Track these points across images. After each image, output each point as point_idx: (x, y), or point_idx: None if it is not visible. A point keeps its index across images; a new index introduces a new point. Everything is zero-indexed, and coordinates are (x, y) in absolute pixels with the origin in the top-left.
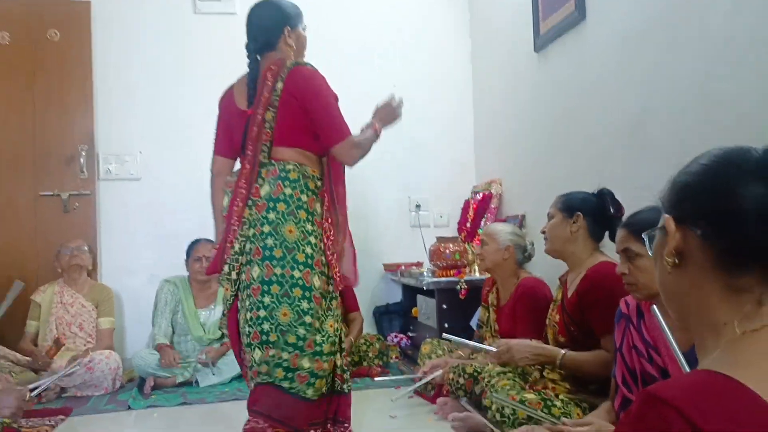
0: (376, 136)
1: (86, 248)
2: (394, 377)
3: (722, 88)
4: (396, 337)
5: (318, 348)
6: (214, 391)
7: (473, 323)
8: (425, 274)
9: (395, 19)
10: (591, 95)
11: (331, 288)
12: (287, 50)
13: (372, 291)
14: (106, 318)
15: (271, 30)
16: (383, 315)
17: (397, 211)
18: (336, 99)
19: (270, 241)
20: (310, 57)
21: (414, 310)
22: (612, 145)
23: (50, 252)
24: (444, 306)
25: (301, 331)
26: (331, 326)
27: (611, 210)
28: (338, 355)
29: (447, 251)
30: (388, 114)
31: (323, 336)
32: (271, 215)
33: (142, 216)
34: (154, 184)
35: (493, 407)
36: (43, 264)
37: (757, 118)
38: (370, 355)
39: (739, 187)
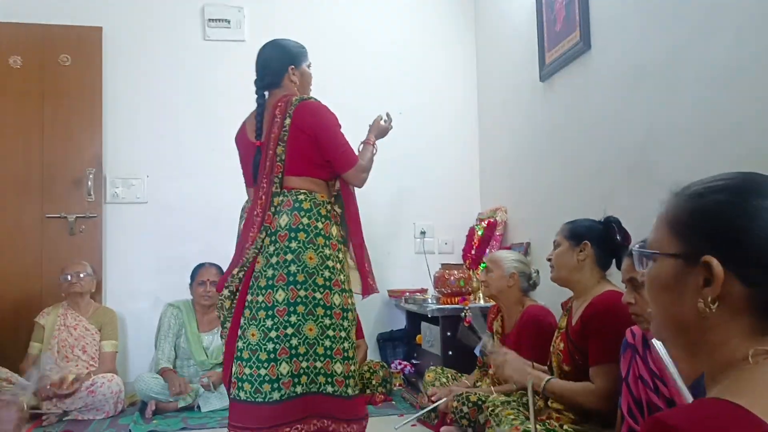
0: (374, 150)
1: (88, 272)
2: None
3: (725, 118)
4: (400, 364)
5: (346, 354)
6: (215, 416)
7: (477, 351)
8: (429, 300)
9: (402, 47)
10: (596, 124)
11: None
12: (291, 86)
13: (376, 317)
14: (109, 341)
15: (275, 70)
16: (387, 341)
17: (402, 237)
18: (340, 126)
19: (293, 268)
20: (320, 88)
21: (418, 337)
22: (617, 174)
23: (55, 274)
24: (448, 333)
25: (327, 342)
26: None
27: (618, 238)
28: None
29: (452, 278)
30: (380, 129)
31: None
32: (293, 244)
33: (148, 239)
34: (161, 208)
35: None
36: (48, 286)
37: (760, 148)
38: (374, 382)
39: None
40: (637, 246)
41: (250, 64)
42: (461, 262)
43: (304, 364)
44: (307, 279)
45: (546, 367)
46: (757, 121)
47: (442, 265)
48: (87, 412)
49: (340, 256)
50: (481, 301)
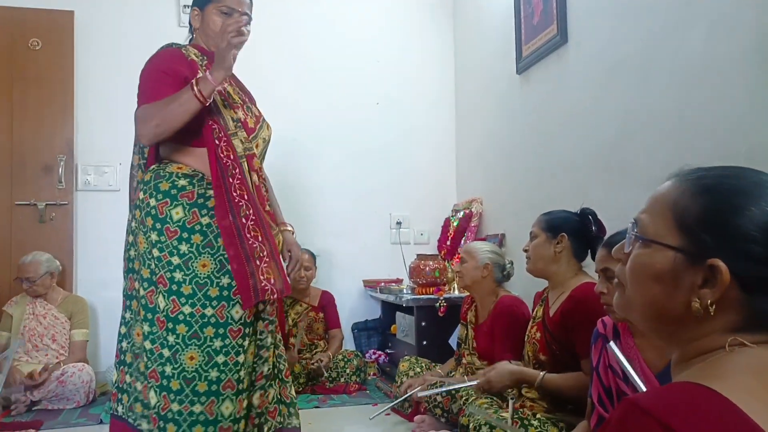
0: (193, 92)
1: (40, 272)
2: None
3: (698, 113)
4: (374, 353)
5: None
6: None
7: (452, 341)
8: (404, 291)
9: (380, 37)
10: (572, 117)
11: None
12: (197, 34)
13: (351, 307)
14: (79, 330)
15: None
16: (362, 331)
17: (378, 227)
18: (157, 71)
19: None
20: (295, 72)
21: (393, 327)
22: (591, 167)
23: None
24: (423, 323)
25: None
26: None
27: (594, 230)
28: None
29: (427, 269)
30: (222, 55)
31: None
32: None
33: (120, 228)
34: None
35: (471, 426)
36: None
37: (732, 143)
38: (348, 371)
39: None
40: (631, 227)
41: None
42: (437, 252)
43: (127, 378)
44: (134, 269)
45: (520, 362)
46: (729, 116)
47: (418, 255)
48: (57, 402)
49: (183, 247)
50: (456, 292)
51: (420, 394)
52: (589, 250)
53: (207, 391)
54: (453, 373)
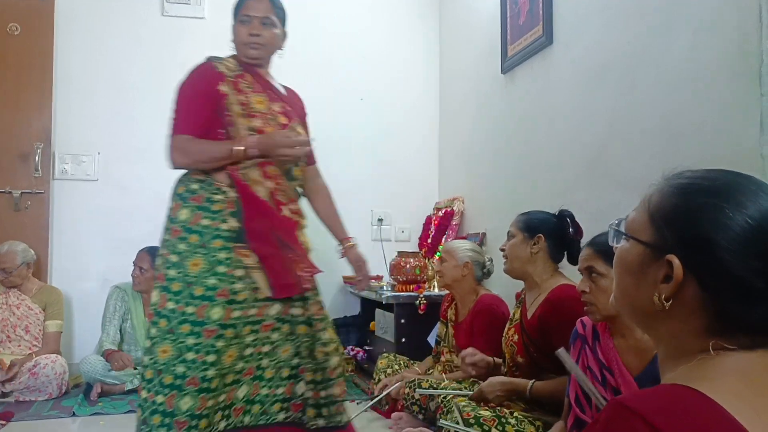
0: (231, 151)
1: (16, 263)
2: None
3: (683, 116)
4: (353, 350)
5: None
6: None
7: (431, 339)
8: (385, 288)
9: (365, 33)
10: (555, 118)
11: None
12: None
13: (330, 303)
14: (53, 321)
15: None
16: (340, 327)
17: (359, 224)
18: (189, 90)
19: None
20: (279, 67)
21: (372, 323)
22: (574, 168)
23: None
24: (402, 320)
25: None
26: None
27: (571, 232)
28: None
29: (407, 266)
30: (269, 144)
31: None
32: None
33: (98, 219)
34: (112, 187)
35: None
36: None
37: (716, 145)
38: None
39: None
40: (616, 222)
41: (209, 42)
42: (417, 250)
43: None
44: None
45: (501, 360)
46: (712, 120)
47: (399, 252)
48: (29, 394)
49: (181, 246)
50: (436, 290)
51: (419, 392)
52: (566, 252)
53: (171, 384)
54: (431, 371)
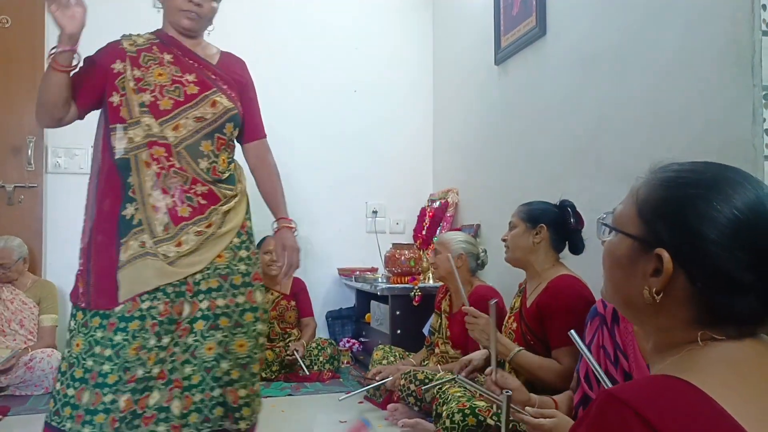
0: (52, 63)
1: (14, 257)
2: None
3: (673, 107)
4: (348, 342)
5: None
6: None
7: (425, 330)
8: (379, 280)
9: (357, 24)
10: (549, 109)
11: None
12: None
13: (325, 295)
14: (48, 315)
15: None
16: (336, 319)
17: (354, 216)
18: (86, 64)
19: None
20: (272, 58)
21: (367, 315)
22: (567, 158)
23: None
24: (397, 312)
25: None
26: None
27: (572, 222)
28: None
29: (402, 258)
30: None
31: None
32: None
33: None
34: None
35: (444, 414)
36: None
37: (706, 137)
38: (321, 359)
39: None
40: (603, 216)
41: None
42: (412, 242)
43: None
44: None
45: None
46: (704, 111)
47: (393, 244)
48: (25, 388)
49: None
50: (431, 281)
51: (424, 389)
52: (567, 242)
53: (81, 378)
54: (426, 362)
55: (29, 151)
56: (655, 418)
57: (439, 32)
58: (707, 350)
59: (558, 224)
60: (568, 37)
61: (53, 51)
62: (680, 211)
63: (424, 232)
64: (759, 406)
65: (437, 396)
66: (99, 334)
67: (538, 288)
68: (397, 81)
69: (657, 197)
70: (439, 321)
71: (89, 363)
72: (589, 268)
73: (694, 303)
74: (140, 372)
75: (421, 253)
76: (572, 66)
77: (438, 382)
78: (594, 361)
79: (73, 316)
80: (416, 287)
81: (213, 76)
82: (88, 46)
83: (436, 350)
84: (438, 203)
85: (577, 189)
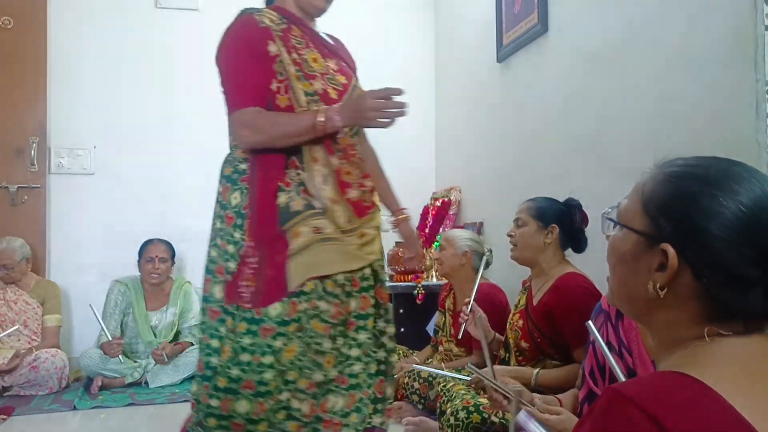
0: (315, 122)
1: (16, 258)
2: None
3: (676, 104)
4: None
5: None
6: (164, 392)
7: (429, 328)
8: None
9: (359, 23)
10: (551, 106)
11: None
12: None
13: None
14: (52, 315)
15: None
16: None
17: None
18: (240, 53)
19: None
20: None
21: None
22: (570, 156)
23: None
24: (400, 311)
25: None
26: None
27: (578, 221)
28: None
29: (405, 256)
30: (359, 110)
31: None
32: None
33: (95, 212)
34: (109, 180)
35: (449, 411)
36: None
37: (709, 133)
38: None
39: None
40: (608, 211)
41: (203, 34)
42: None
43: None
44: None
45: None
46: (707, 106)
47: (396, 243)
48: (29, 388)
49: (237, 235)
50: (434, 279)
51: (416, 368)
52: (572, 241)
53: (226, 387)
54: (430, 360)
55: (32, 152)
56: (661, 414)
57: (441, 30)
58: (713, 346)
59: (566, 223)
60: (570, 34)
61: (328, 119)
62: (686, 206)
63: (427, 231)
64: (766, 401)
65: (441, 393)
66: (247, 340)
67: (544, 286)
68: (399, 79)
69: (663, 192)
70: (444, 319)
71: (235, 372)
72: (592, 265)
73: (700, 298)
74: (319, 377)
75: (425, 251)
76: (574, 62)
77: (452, 374)
78: (609, 354)
79: (222, 321)
80: (419, 285)
81: (343, 63)
82: (88, 46)
83: (440, 348)
84: (441, 201)
85: (581, 185)
